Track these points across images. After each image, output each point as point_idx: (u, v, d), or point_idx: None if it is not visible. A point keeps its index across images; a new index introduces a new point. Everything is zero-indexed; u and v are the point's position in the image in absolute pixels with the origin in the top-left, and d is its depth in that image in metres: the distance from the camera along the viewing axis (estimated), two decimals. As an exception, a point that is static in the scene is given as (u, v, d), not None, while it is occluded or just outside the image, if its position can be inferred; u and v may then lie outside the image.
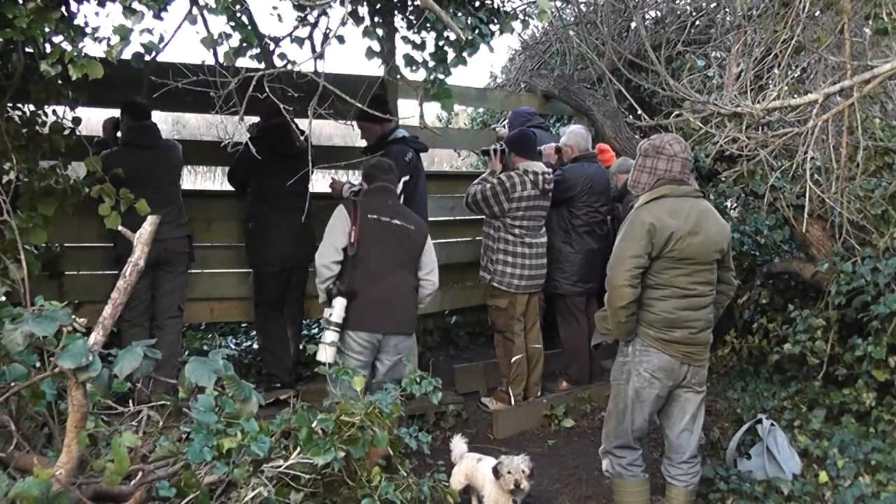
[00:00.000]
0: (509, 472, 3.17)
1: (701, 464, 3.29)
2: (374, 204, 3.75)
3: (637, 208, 3.08)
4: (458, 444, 3.61)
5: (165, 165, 4.12)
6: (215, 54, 3.45)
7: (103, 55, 2.88)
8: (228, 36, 3.34)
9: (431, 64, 3.63)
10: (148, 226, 2.13)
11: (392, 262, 3.72)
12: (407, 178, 4.43)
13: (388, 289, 3.69)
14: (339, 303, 3.60)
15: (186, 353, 5.09)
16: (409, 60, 3.68)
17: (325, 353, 3.47)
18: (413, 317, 3.85)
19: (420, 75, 3.70)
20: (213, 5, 3.09)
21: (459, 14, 3.50)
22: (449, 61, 3.63)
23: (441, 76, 3.62)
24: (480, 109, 8.16)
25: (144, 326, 4.06)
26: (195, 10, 3.23)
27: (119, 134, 4.26)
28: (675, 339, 3.04)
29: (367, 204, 3.74)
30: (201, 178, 11.31)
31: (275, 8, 3.70)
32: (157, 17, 3.06)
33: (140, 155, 3.97)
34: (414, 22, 3.77)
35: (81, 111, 3.71)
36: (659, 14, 6.60)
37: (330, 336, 3.55)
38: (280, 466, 2.20)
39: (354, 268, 3.65)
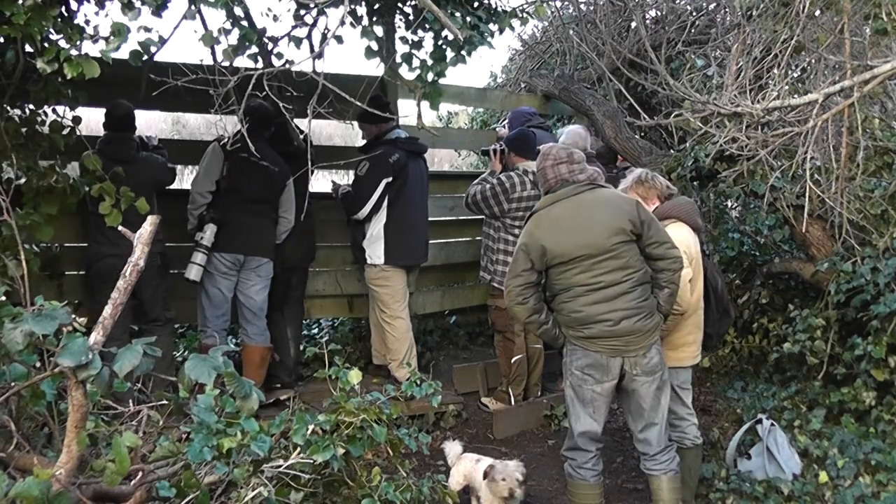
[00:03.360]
0: (504, 479, 3.16)
1: (676, 450, 3.17)
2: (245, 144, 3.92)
3: None
4: (453, 446, 3.60)
5: (136, 183, 3.78)
6: (213, 53, 3.44)
7: (100, 52, 2.88)
8: (228, 31, 3.33)
9: (430, 63, 3.62)
10: (148, 226, 2.13)
11: (256, 196, 4.21)
12: (390, 179, 4.44)
13: (252, 217, 4.21)
14: (211, 228, 4.08)
15: (186, 352, 5.10)
16: (408, 60, 3.68)
17: (193, 273, 4.03)
18: (271, 243, 4.36)
19: (418, 75, 3.69)
20: (212, 0, 3.09)
21: (457, 14, 3.50)
22: (448, 60, 3.62)
23: (435, 76, 3.61)
24: (480, 109, 8.16)
25: (123, 340, 3.95)
26: (193, 7, 3.22)
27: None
28: (594, 335, 3.00)
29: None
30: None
31: (269, 9, 3.69)
32: (157, 14, 3.06)
33: (110, 167, 3.72)
34: (412, 21, 3.77)
35: (81, 111, 3.69)
36: (659, 14, 6.60)
37: (199, 257, 4.05)
38: (280, 466, 2.19)
39: (225, 198, 4.13)
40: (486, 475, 3.23)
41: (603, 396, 3.07)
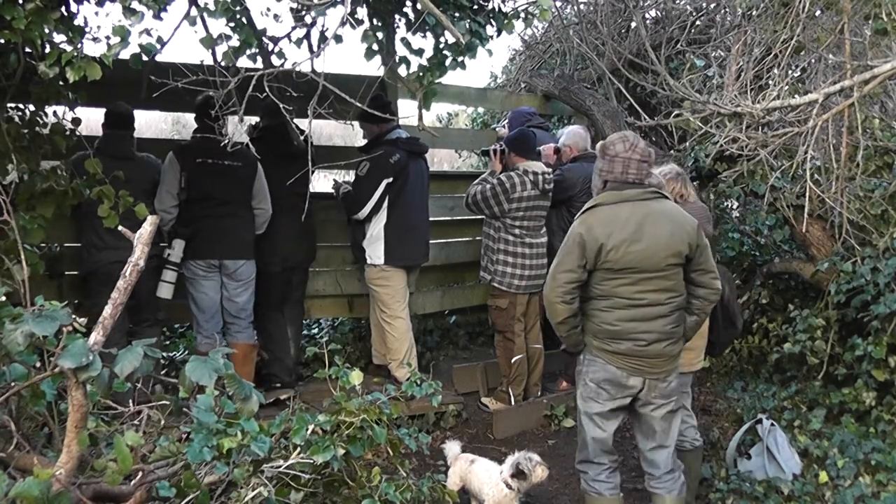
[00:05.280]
0: (538, 465, 3.17)
1: (684, 472, 3.11)
2: (201, 148, 4.02)
3: (575, 219, 2.95)
4: (452, 447, 3.60)
5: (136, 179, 3.89)
6: (214, 54, 3.45)
7: (101, 56, 2.87)
8: (228, 37, 3.34)
9: (429, 66, 3.62)
10: (148, 226, 2.13)
11: (222, 198, 4.12)
12: (390, 179, 4.45)
13: (221, 220, 4.12)
14: (179, 244, 4.03)
15: (186, 352, 5.10)
16: (406, 63, 3.68)
17: (164, 291, 4.01)
18: (248, 242, 4.27)
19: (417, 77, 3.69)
20: (213, 8, 3.09)
21: (457, 15, 3.49)
22: (447, 64, 3.62)
23: (432, 80, 3.61)
24: (480, 109, 8.16)
25: (123, 344, 3.93)
26: (194, 12, 3.23)
27: None
28: (621, 352, 2.87)
29: (193, 149, 4.09)
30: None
31: (268, 9, 3.68)
32: (157, 17, 3.06)
33: (110, 165, 3.71)
34: (413, 23, 3.77)
35: (81, 111, 3.70)
36: (659, 14, 6.60)
37: (169, 275, 4.02)
38: (280, 466, 2.20)
39: (190, 208, 4.07)
40: (521, 474, 3.18)
41: (617, 413, 2.98)
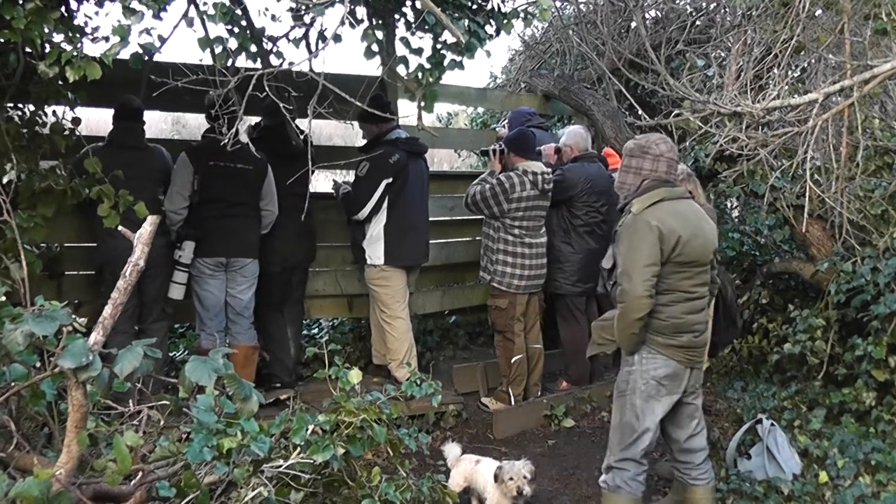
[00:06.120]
0: (511, 479, 3.16)
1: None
2: (213, 150, 4.01)
3: (636, 214, 2.95)
4: (452, 448, 3.60)
5: (146, 169, 4.04)
6: (213, 54, 3.45)
7: (101, 55, 2.87)
8: (225, 40, 3.35)
9: (428, 66, 3.62)
10: (148, 226, 2.13)
11: (232, 200, 4.18)
12: (390, 179, 4.45)
13: (231, 220, 4.18)
14: (189, 246, 4.08)
15: (186, 352, 5.10)
16: (405, 63, 3.68)
17: (176, 292, 4.08)
18: (254, 243, 4.32)
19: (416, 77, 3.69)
20: (212, 12, 3.10)
21: (456, 15, 3.50)
22: (446, 64, 3.62)
23: (432, 80, 3.62)
24: (480, 109, 8.16)
25: (129, 333, 3.95)
26: (192, 13, 3.24)
27: None
28: (682, 344, 2.96)
29: (206, 151, 4.11)
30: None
31: (266, 9, 3.69)
32: (157, 16, 3.06)
33: (121, 156, 3.85)
34: (412, 23, 3.77)
35: (81, 111, 3.70)
36: (659, 14, 6.61)
37: (180, 276, 4.09)
38: (280, 466, 2.20)
39: (201, 209, 4.13)
40: (496, 478, 3.21)
41: (668, 408, 3.03)
